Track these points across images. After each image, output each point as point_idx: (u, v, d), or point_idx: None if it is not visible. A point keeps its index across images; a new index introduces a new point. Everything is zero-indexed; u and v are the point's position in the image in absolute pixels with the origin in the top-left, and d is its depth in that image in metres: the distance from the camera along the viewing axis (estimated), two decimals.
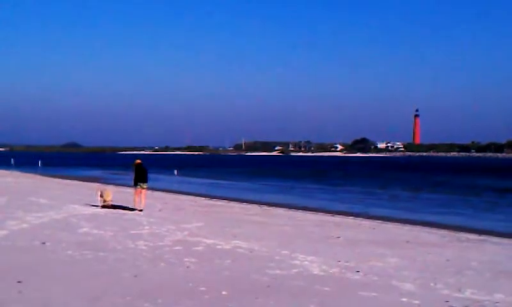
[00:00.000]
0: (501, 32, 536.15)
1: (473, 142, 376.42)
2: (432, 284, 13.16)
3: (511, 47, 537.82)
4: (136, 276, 12.95)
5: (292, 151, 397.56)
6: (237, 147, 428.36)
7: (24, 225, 20.86)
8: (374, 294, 11.95)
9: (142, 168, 28.18)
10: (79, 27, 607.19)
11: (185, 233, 20.69)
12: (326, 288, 12.33)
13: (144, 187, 28.15)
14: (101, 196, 29.10)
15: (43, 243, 17.20)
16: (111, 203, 28.88)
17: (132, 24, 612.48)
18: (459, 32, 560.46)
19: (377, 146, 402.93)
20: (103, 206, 28.43)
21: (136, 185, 28.15)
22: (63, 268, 13.70)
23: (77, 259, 14.84)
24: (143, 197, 28.09)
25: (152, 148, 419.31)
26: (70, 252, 15.87)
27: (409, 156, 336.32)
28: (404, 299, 11.74)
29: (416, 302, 11.56)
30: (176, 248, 17.18)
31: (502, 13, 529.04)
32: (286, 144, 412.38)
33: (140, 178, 27.96)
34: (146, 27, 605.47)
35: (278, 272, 13.98)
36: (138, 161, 28.61)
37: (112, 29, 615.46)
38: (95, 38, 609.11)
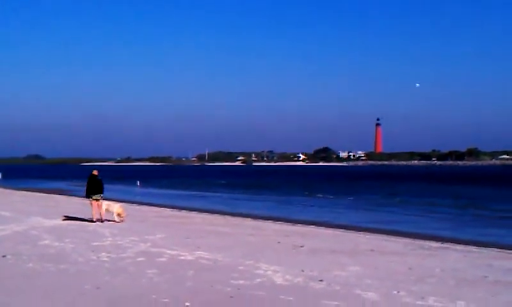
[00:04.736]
0: (460, 41, 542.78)
1: (434, 150, 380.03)
2: (395, 292, 13.22)
3: (471, 56, 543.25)
4: (98, 288, 12.83)
5: (255, 161, 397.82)
6: (201, 157, 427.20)
7: None
8: (336, 303, 11.98)
9: (96, 180, 27.76)
10: (40, 39, 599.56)
11: (148, 244, 20.56)
12: (290, 298, 12.34)
13: (98, 198, 27.71)
14: (107, 210, 28.47)
15: (4, 256, 17.03)
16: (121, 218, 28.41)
17: (94, 38, 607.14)
18: (418, 41, 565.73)
19: (339, 156, 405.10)
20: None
21: (87, 196, 27.84)
22: (24, 281, 13.54)
23: (38, 272, 14.68)
24: (100, 208, 27.72)
25: (114, 159, 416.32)
26: (31, 265, 15.70)
27: (371, 165, 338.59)
28: None
29: None
30: (139, 259, 17.08)
31: (458, 22, 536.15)
32: (249, 155, 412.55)
33: (92, 190, 27.59)
34: (108, 41, 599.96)
35: (241, 282, 13.95)
36: (94, 172, 28.17)
37: (72, 42, 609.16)
38: (55, 49, 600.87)
